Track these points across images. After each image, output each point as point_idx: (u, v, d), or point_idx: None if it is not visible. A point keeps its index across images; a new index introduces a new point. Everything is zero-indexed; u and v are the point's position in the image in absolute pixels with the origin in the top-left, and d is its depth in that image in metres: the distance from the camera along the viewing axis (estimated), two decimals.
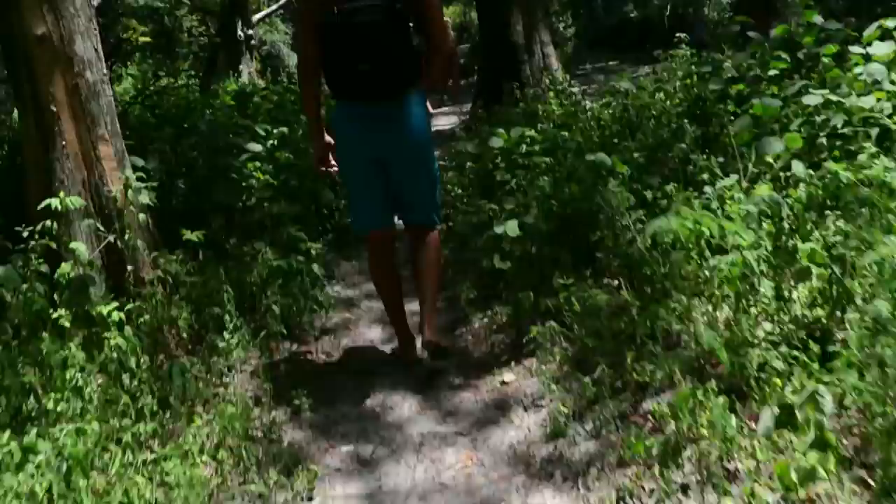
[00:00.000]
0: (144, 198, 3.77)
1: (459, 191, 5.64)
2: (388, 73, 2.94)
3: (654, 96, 6.01)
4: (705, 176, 3.79)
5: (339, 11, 2.87)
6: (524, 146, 5.10)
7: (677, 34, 8.19)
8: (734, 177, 3.45)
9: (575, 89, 8.74)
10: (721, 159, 3.91)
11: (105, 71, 4.11)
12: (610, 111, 6.23)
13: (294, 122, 7.94)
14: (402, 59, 2.97)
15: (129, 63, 14.25)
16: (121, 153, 4.19)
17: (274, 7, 32.60)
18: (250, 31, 28.85)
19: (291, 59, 48.88)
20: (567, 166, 4.53)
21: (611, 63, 30.32)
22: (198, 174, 5.25)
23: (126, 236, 3.64)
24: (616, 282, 3.59)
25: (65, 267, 3.11)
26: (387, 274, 3.43)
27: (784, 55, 4.89)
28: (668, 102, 5.92)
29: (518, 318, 3.40)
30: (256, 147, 5.20)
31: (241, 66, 28.41)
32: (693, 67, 6.14)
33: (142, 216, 3.72)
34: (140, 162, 5.11)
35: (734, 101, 4.59)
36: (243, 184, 5.16)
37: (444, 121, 10.92)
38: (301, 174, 5.32)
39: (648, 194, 3.71)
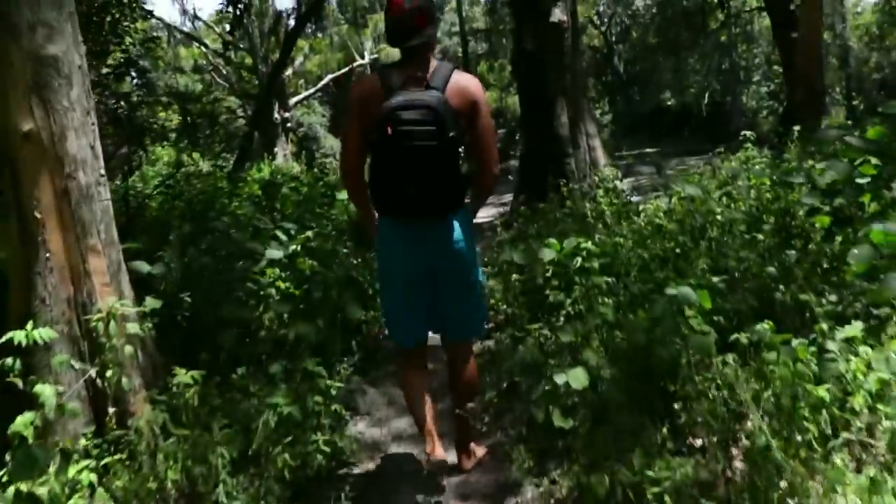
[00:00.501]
0: (134, 327, 3.15)
1: (504, 306, 4.99)
2: (435, 196, 2.90)
3: (726, 204, 5.36)
4: (814, 310, 3.10)
5: (394, 132, 2.77)
6: (579, 259, 4.46)
7: (744, 133, 7.58)
8: (857, 325, 2.75)
9: (624, 185, 8.11)
10: (832, 297, 3.21)
11: (102, 171, 3.58)
12: (671, 217, 5.57)
13: (324, 217, 7.44)
14: (449, 184, 2.93)
15: (162, 145, 14.00)
16: (116, 265, 3.63)
17: (312, 91, 32.97)
18: (287, 114, 29.06)
19: (328, 141, 49.47)
20: (632, 289, 3.86)
21: (648, 150, 30.06)
22: (210, 282, 4.65)
23: (109, 372, 3.01)
24: (700, 441, 2.92)
25: (19, 423, 2.49)
26: (417, 384, 3.36)
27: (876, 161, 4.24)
28: (739, 208, 5.28)
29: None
30: (276, 254, 4.62)
31: (276, 149, 28.50)
32: (770, 171, 5.51)
33: (128, 349, 3.09)
34: (145, 268, 4.58)
35: (832, 219, 3.90)
36: (261, 292, 4.58)
37: (482, 213, 10.35)
38: (326, 285, 4.71)
39: (741, 337, 3.01)
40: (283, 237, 4.80)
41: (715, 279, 3.71)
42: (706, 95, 44.35)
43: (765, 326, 3.08)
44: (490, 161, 3.11)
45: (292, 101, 30.18)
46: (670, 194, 6.80)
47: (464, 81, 2.95)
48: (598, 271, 4.25)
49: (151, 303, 4.34)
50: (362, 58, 30.65)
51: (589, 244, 4.53)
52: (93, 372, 3.08)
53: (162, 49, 30.52)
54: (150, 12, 8.09)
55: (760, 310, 3.68)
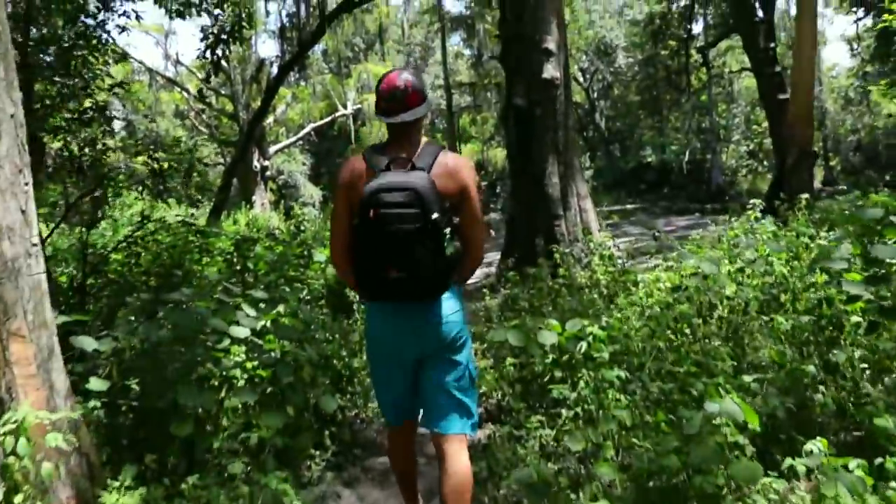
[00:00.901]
0: (56, 438, 2.58)
1: (497, 393, 4.46)
2: (419, 280, 2.75)
3: (741, 282, 4.89)
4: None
5: (375, 216, 2.67)
6: (584, 345, 3.95)
7: (752, 201, 7.19)
8: None
9: (619, 251, 7.65)
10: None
11: (34, 240, 3.04)
12: (679, 293, 5.09)
13: (299, 280, 6.89)
14: (434, 268, 2.75)
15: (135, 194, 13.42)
16: (47, 350, 3.07)
17: (293, 140, 32.59)
18: (266, 163, 28.63)
19: (307, 190, 49.07)
20: (651, 387, 3.35)
21: (629, 206, 29.86)
22: (166, 362, 4.08)
23: (19, 497, 2.43)
24: None
25: None
26: (405, 464, 3.28)
27: None
28: (755, 286, 4.82)
29: None
30: (241, 332, 4.06)
31: (254, 198, 27.99)
32: (783, 244, 5.06)
33: (47, 467, 2.52)
34: (91, 344, 4.01)
35: (878, 308, 3.43)
36: (223, 373, 4.01)
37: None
38: (298, 366, 4.15)
39: (797, 465, 2.52)
40: (251, 312, 4.24)
41: (747, 379, 3.21)
42: (686, 153, 44.63)
43: (818, 446, 2.60)
44: (475, 249, 2.99)
45: (272, 149, 29.77)
46: (676, 267, 6.36)
47: (452, 163, 2.84)
48: (608, 362, 3.74)
49: (96, 385, 3.81)
50: (345, 108, 30.39)
51: (595, 328, 4.02)
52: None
53: (131, 94, 30.22)
54: (125, 54, 7.56)
55: (797, 413, 3.21)
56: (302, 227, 9.90)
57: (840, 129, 48.88)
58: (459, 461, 2.87)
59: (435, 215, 2.66)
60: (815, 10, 11.03)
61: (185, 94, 28.73)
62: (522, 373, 4.38)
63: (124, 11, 7.51)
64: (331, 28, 19.29)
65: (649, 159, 46.33)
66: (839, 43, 77.97)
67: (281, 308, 4.36)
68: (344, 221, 2.87)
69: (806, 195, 8.84)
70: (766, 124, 45.78)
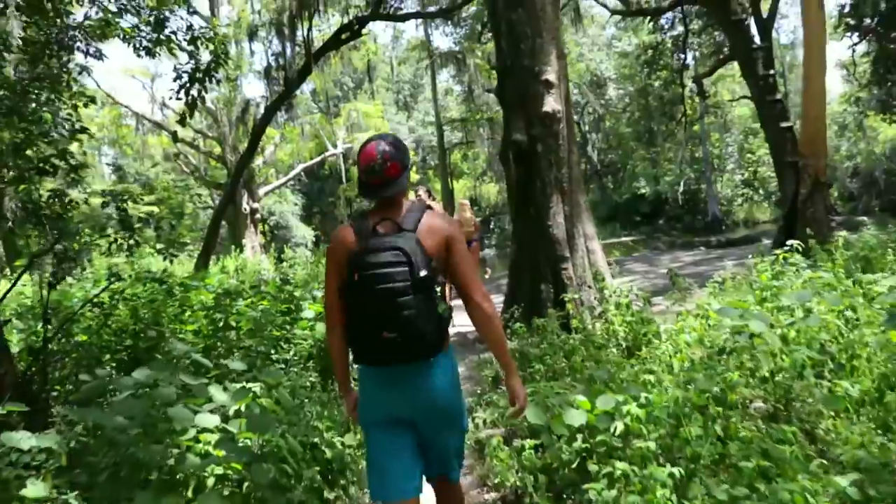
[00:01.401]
0: None
1: (516, 481, 3.78)
2: (411, 340, 2.71)
3: (792, 340, 4.23)
4: None
5: (360, 277, 2.68)
6: (619, 425, 3.30)
7: (790, 242, 6.60)
8: None
9: (634, 297, 7.00)
10: None
11: None
12: (721, 353, 4.43)
13: (286, 340, 6.23)
14: (425, 326, 2.71)
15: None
16: None
17: (282, 181, 32.00)
18: (256, 205, 28.03)
19: (299, 231, 48.58)
20: (717, 494, 2.69)
21: (625, 238, 29.31)
22: (121, 458, 3.40)
23: None
24: None
25: None
26: None
27: None
28: (804, 343, 4.17)
29: None
30: (210, 420, 3.39)
31: (244, 240, 27.35)
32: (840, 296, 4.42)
33: None
34: (28, 441, 3.35)
35: None
36: (189, 472, 3.34)
37: (465, 319, 9.20)
38: (279, 460, 3.47)
39: None
40: (221, 397, 3.55)
41: (842, 482, 2.54)
42: (681, 184, 44.29)
43: None
44: (470, 288, 2.90)
45: (262, 191, 29.19)
46: (700, 313, 5.73)
47: (437, 221, 2.88)
48: (652, 453, 3.07)
49: (33, 492, 3.15)
50: (335, 147, 29.89)
51: (633, 405, 3.37)
52: None
53: (121, 138, 29.73)
54: (91, 99, 6.95)
55: None
56: (290, 277, 9.23)
57: (836, 156, 48.72)
58: (453, 499, 3.17)
59: (423, 272, 2.67)
60: (824, 36, 10.56)
61: (171, 137, 28.22)
62: (545, 459, 3.69)
63: (87, 51, 6.91)
64: (317, 66, 18.82)
65: (643, 191, 45.99)
66: (831, 69, 78.34)
67: (258, 388, 3.68)
68: (334, 289, 2.88)
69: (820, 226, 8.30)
70: (760, 152, 45.76)
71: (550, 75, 8.26)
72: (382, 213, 2.85)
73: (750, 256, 8.22)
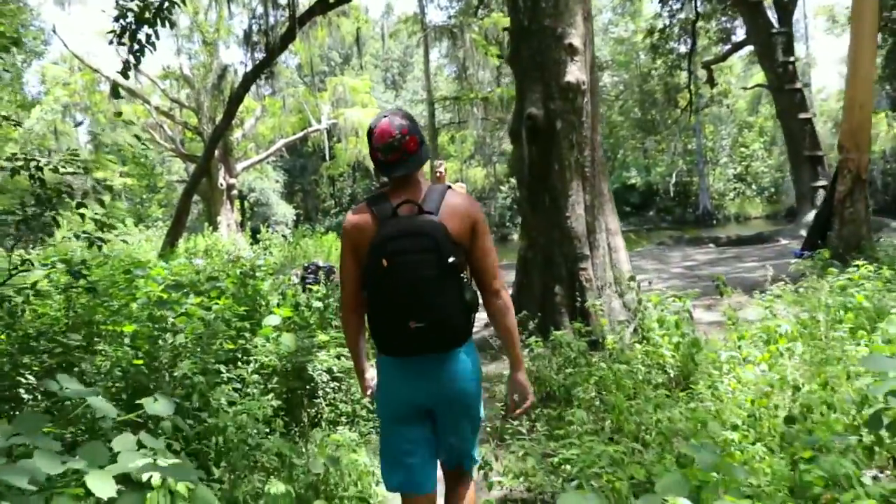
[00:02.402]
0: None
1: None
2: (439, 330, 2.60)
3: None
4: None
5: (389, 264, 2.53)
6: None
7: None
8: None
9: (677, 309, 5.75)
10: None
11: None
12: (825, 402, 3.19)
13: (242, 359, 4.92)
14: (454, 315, 2.60)
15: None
16: None
17: (262, 156, 30.36)
18: (233, 180, 26.50)
19: (280, 209, 47.04)
20: None
21: (624, 230, 28.24)
22: None
23: None
24: None
25: None
26: None
27: None
28: None
29: None
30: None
31: (219, 217, 25.85)
32: None
33: None
34: None
35: None
36: None
37: None
38: None
39: None
40: (104, 489, 2.22)
41: None
42: (673, 175, 43.25)
43: None
44: (489, 278, 2.75)
45: (240, 166, 27.62)
46: (777, 344, 4.50)
47: (460, 202, 2.71)
48: None
49: None
50: (318, 123, 28.36)
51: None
52: None
53: (94, 105, 28.02)
54: (14, 41, 5.59)
55: None
56: (260, 263, 7.85)
57: (832, 155, 47.84)
58: (465, 492, 3.00)
59: (451, 258, 2.55)
60: (875, 12, 9.32)
61: (147, 106, 26.56)
62: None
63: None
64: (302, 33, 17.36)
65: (633, 181, 44.92)
66: (827, 64, 77.69)
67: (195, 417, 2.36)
68: (353, 278, 2.74)
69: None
70: (755, 146, 44.80)
71: (575, 39, 6.96)
72: (402, 193, 2.68)
73: (771, 260, 7.02)
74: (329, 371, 4.95)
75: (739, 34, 26.23)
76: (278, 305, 5.83)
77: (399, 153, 2.66)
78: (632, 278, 7.05)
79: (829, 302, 5.29)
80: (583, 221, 6.95)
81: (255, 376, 4.62)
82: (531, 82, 7.16)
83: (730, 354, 4.53)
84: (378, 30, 55.77)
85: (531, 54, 7.19)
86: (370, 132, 2.71)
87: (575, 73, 6.92)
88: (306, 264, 14.48)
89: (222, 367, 4.46)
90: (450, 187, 2.75)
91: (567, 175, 6.93)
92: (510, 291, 7.65)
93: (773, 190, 49.09)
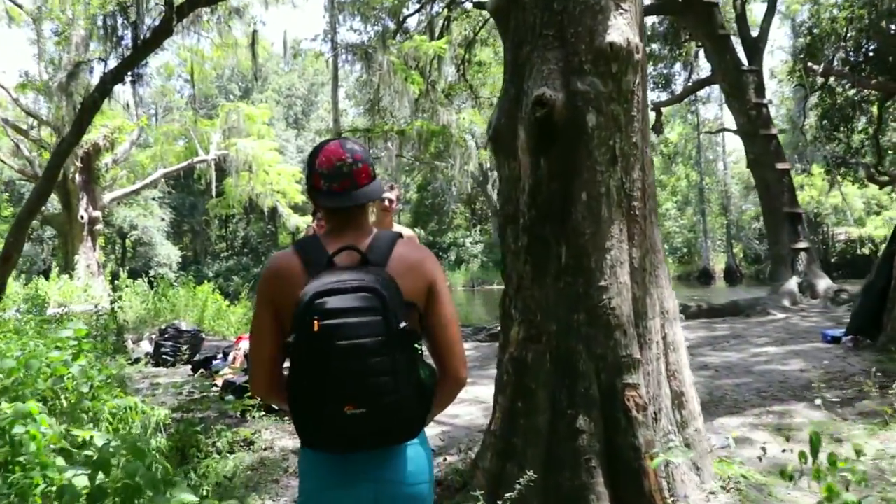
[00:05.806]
0: None
1: None
2: (389, 418, 1.92)
3: None
4: None
5: (321, 328, 1.83)
6: None
7: None
8: None
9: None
10: None
11: None
12: None
13: None
14: (407, 397, 1.92)
15: None
16: None
17: (138, 185, 26.03)
18: (96, 213, 22.30)
19: (164, 249, 42.28)
20: None
21: None
22: None
23: None
24: None
25: None
26: None
27: None
28: None
29: None
30: None
31: (77, 256, 21.63)
32: None
33: None
34: None
35: None
36: None
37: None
38: None
39: None
40: None
41: None
42: None
43: None
44: (456, 362, 2.13)
45: (108, 196, 23.45)
46: None
47: (415, 255, 2.10)
48: None
49: None
50: (206, 152, 24.60)
51: None
52: None
53: None
54: None
55: None
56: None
57: (743, 216, 47.30)
58: None
59: (403, 323, 1.89)
60: None
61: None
62: None
63: None
64: (184, 28, 13.89)
65: None
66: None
67: None
68: (271, 342, 2.06)
69: None
70: (667, 206, 43.47)
71: None
72: (341, 237, 2.07)
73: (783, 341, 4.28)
74: None
75: (681, 79, 24.38)
76: None
77: (348, 181, 2.06)
78: (685, 401, 3.98)
79: None
80: (629, 297, 3.84)
81: None
82: (541, 45, 4.05)
83: None
84: (283, 66, 52.44)
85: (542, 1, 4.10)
86: (313, 155, 2.12)
87: (622, 28, 3.88)
88: (164, 326, 10.89)
89: None
90: (400, 235, 2.13)
91: (604, 212, 3.82)
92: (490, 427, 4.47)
93: (685, 250, 48.14)
